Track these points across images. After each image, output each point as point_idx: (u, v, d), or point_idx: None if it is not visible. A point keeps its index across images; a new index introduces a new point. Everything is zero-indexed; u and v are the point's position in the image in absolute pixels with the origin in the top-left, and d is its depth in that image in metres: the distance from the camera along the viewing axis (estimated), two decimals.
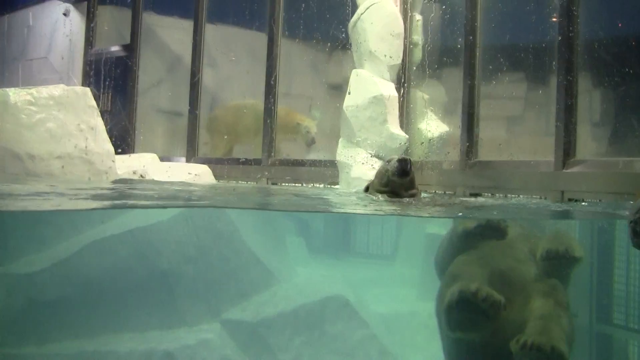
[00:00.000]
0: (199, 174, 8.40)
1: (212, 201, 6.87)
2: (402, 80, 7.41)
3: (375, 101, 7.12)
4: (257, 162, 8.70)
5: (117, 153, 7.71)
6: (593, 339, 6.92)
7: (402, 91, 7.38)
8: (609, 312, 6.94)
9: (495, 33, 6.59)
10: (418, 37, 7.40)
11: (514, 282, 5.77)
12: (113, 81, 10.78)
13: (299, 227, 12.13)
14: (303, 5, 8.42)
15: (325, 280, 10.29)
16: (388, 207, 5.96)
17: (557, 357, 5.14)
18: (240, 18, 9.61)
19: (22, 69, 12.71)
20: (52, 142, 7.00)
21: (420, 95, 7.37)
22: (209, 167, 8.76)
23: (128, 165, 8.12)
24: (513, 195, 6.16)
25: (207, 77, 9.90)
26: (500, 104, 6.66)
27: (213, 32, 9.92)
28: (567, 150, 5.69)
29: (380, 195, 6.00)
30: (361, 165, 7.07)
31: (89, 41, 11.46)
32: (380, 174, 6.12)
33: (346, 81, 7.44)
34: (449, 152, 6.76)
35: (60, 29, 11.80)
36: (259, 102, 9.00)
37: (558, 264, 5.75)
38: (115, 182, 7.37)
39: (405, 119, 7.40)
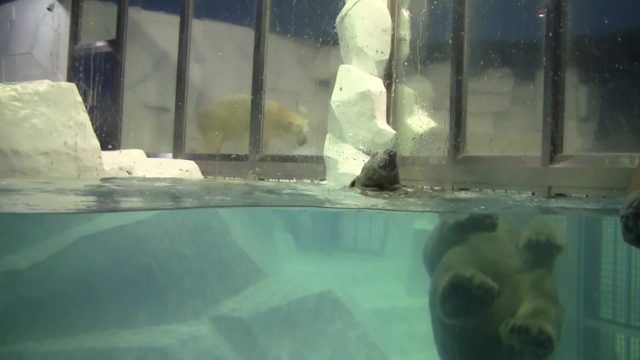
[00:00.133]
0: (189, 170, 8.37)
1: (201, 200, 6.83)
2: (390, 75, 7.40)
3: (363, 97, 7.12)
4: (244, 158, 8.67)
5: (106, 149, 7.65)
6: (580, 333, 6.97)
7: (390, 87, 7.38)
8: (596, 306, 7.00)
9: (484, 29, 6.60)
10: (406, 32, 7.39)
11: (504, 272, 5.94)
12: (99, 77, 10.70)
13: (288, 223, 12.13)
14: (291, 0, 8.39)
15: (314, 275, 10.32)
16: (373, 200, 5.99)
17: (545, 340, 5.28)
18: (228, 13, 9.57)
19: (5, 64, 12.56)
20: (37, 138, 6.94)
21: (408, 90, 7.36)
22: (196, 163, 8.73)
23: (115, 161, 8.07)
24: (500, 190, 6.19)
25: (194, 72, 9.85)
26: (488, 99, 6.68)
27: (200, 28, 9.86)
28: (554, 146, 5.72)
29: (367, 190, 6.08)
30: (349, 161, 7.06)
31: (74, 36, 11.35)
32: (366, 168, 6.25)
33: (334, 77, 7.43)
34: (440, 148, 6.77)
35: (44, 24, 11.69)
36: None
37: (540, 252, 5.95)
38: (103, 179, 7.32)
39: (393, 115, 7.40)
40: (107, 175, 7.52)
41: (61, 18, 11.45)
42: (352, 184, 6.40)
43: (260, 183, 8.03)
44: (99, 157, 7.42)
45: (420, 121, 7.16)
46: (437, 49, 7.03)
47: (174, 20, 9.86)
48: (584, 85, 5.93)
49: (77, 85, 7.83)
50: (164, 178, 7.89)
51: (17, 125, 6.84)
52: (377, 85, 7.19)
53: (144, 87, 10.63)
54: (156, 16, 10.55)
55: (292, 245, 11.71)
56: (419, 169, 6.91)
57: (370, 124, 7.11)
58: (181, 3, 9.72)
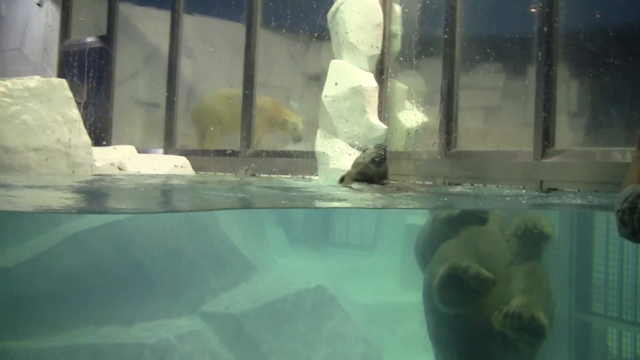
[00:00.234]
0: (183, 166, 8.33)
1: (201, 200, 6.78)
2: (382, 70, 7.39)
3: (355, 92, 7.09)
4: (235, 153, 8.64)
5: (99, 145, 7.60)
6: (572, 327, 7.02)
7: (381, 82, 7.37)
8: (588, 300, 7.04)
9: (477, 23, 6.60)
10: (397, 27, 7.38)
11: (497, 264, 6.08)
12: (90, 73, 10.64)
13: (279, 219, 12.12)
14: None
15: (306, 271, 10.32)
16: (365, 195, 6.00)
17: (537, 327, 5.44)
18: (218, 8, 9.53)
19: None
20: (28, 134, 6.90)
21: (400, 85, 7.36)
22: (187, 159, 8.69)
23: (107, 157, 8.03)
24: (492, 185, 6.20)
25: (186, 68, 9.81)
26: (481, 94, 6.68)
27: (191, 23, 9.82)
28: (546, 140, 5.73)
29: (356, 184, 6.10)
30: (340, 156, 7.05)
31: (64, 32, 11.29)
32: (356, 163, 6.25)
33: (325, 72, 7.41)
34: (432, 143, 6.77)
35: (34, 20, 11.61)
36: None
37: (529, 240, 6.07)
38: (96, 175, 7.28)
39: (385, 110, 7.39)
40: (99, 172, 7.49)
41: (51, 13, 11.38)
42: (342, 180, 6.38)
43: (255, 180, 7.98)
44: (90, 154, 7.38)
45: (412, 116, 7.16)
46: (430, 44, 7.03)
47: (165, 15, 9.82)
48: (576, 79, 5.94)
49: (68, 81, 7.78)
50: (158, 174, 7.85)
51: (7, 122, 6.80)
52: (369, 80, 7.17)
53: (134, 82, 10.58)
54: (147, 12, 10.50)
55: (284, 241, 11.70)
56: (411, 163, 6.91)
57: (362, 119, 7.09)
58: None
